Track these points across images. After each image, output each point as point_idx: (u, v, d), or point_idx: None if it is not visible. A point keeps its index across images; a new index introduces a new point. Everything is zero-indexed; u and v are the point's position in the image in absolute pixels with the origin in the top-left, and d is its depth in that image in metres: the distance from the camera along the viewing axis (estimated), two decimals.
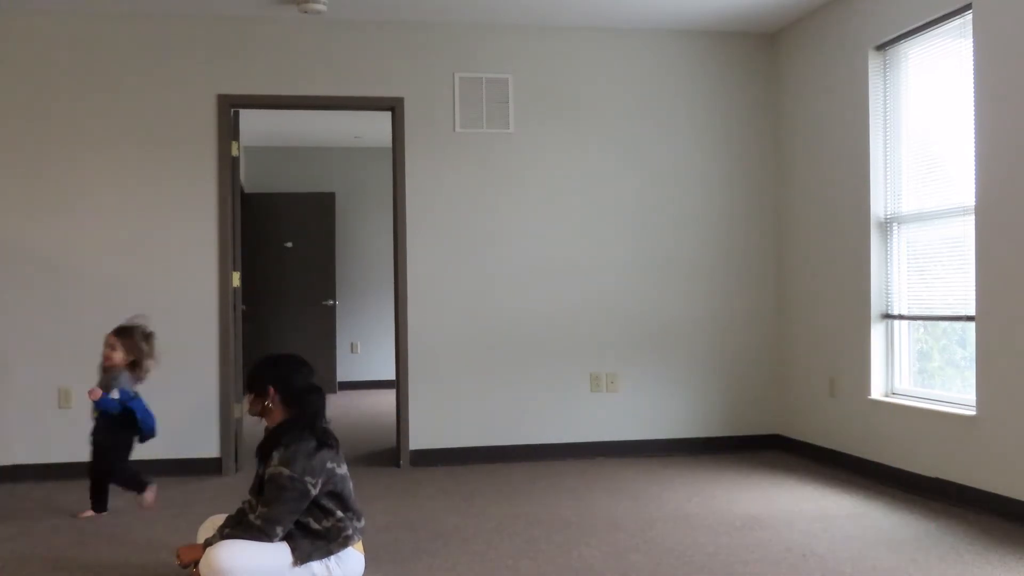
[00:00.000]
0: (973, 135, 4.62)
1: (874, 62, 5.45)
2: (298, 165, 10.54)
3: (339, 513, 3.33)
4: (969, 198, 4.73)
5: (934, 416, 4.93)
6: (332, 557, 3.33)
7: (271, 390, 3.39)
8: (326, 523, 3.32)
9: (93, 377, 5.68)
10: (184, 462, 5.76)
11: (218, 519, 3.48)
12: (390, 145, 6.22)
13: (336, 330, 10.19)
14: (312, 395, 3.42)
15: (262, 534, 3.22)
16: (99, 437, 4.77)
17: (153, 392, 5.74)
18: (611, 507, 4.77)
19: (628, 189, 6.31)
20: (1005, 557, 3.80)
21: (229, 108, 5.91)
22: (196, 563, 3.25)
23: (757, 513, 4.59)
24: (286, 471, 3.23)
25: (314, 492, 3.27)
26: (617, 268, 6.29)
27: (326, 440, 3.37)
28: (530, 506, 4.82)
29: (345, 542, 3.34)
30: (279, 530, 3.24)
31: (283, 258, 10.07)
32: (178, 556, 3.34)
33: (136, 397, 4.79)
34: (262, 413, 3.42)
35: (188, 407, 5.78)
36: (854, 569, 3.67)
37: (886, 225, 5.45)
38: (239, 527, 3.26)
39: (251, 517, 3.24)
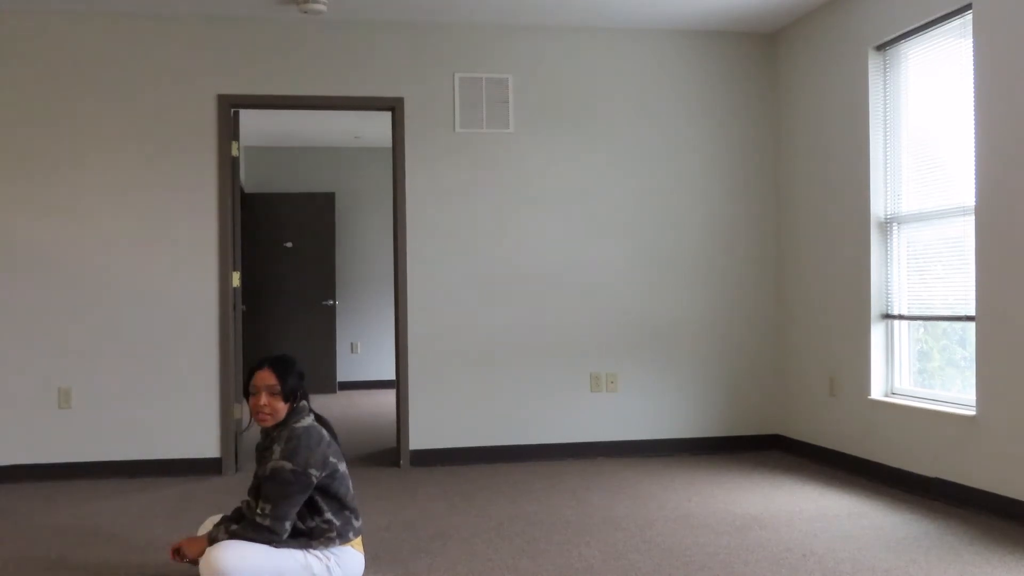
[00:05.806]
0: (973, 135, 4.62)
1: (874, 62, 5.45)
2: (298, 165, 10.54)
3: (327, 515, 3.32)
4: (969, 198, 4.73)
5: (934, 416, 4.93)
6: (332, 558, 3.33)
7: (298, 396, 3.40)
8: (311, 523, 3.31)
9: (92, 377, 5.71)
10: (184, 462, 5.76)
11: (218, 519, 3.47)
12: (390, 145, 6.23)
13: (336, 330, 10.19)
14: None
15: (273, 534, 3.22)
16: None
17: (153, 392, 5.77)
18: (611, 507, 4.77)
19: (628, 188, 6.31)
20: (1005, 557, 3.80)
21: (229, 108, 5.91)
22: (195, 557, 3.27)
23: (757, 513, 4.59)
24: (288, 464, 3.22)
25: (315, 483, 3.28)
26: (617, 267, 6.29)
27: (327, 428, 3.41)
28: (530, 506, 4.82)
29: (327, 543, 3.32)
30: (287, 525, 3.24)
31: (283, 258, 10.08)
32: (177, 549, 3.33)
33: None
34: (271, 416, 3.35)
35: (188, 407, 5.78)
36: (854, 569, 3.67)
37: (886, 225, 5.45)
38: (247, 526, 3.24)
39: (257, 517, 3.22)
